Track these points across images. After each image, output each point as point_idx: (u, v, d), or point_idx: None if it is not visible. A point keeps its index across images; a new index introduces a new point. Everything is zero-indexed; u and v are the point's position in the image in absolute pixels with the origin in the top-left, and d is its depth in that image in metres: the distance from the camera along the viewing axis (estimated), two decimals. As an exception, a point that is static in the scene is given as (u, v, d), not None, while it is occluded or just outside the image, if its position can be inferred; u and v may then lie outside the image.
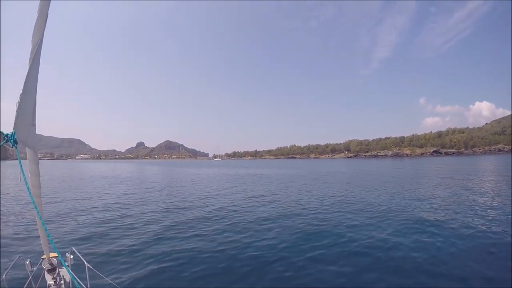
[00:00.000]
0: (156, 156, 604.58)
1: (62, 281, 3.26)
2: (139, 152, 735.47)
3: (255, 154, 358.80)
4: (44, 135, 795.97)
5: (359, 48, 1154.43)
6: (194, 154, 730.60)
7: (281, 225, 10.23)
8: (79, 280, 3.06)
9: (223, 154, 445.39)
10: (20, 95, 1.90)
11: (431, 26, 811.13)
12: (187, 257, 7.16)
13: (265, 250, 7.60)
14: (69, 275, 3.14)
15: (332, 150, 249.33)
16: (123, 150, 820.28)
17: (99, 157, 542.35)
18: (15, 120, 1.93)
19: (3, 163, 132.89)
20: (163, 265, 6.70)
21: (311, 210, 12.84)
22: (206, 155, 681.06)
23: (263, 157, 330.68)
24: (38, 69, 1.95)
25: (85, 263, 3.35)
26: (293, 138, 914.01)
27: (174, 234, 9.30)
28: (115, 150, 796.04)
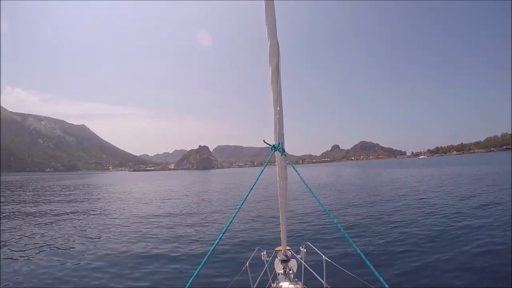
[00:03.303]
0: (353, 158, 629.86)
1: (291, 271, 3.71)
2: (334, 155, 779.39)
3: (461, 148, 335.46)
4: (244, 146, 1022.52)
5: None
6: (391, 153, 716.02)
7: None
8: (311, 270, 3.73)
9: (425, 151, 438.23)
10: (278, 112, 2.42)
11: None
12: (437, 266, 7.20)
13: None
14: (296, 266, 3.82)
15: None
16: (318, 154, 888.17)
17: (296, 162, 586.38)
18: (278, 132, 2.46)
19: (209, 172, 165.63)
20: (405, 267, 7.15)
21: None
22: (403, 153, 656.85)
23: (471, 151, 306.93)
24: (280, 88, 2.43)
25: (323, 256, 3.62)
26: (504, 124, 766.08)
27: (413, 240, 9.42)
28: (311, 155, 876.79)
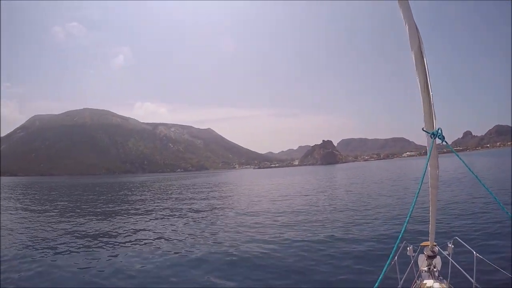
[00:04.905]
0: (488, 145, 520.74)
1: (435, 269, 3.64)
2: (467, 142, 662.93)
3: None
4: (369, 138, 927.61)
5: None
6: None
7: None
8: (460, 268, 3.53)
9: None
10: (431, 97, 2.36)
11: None
12: None
13: None
14: (441, 264, 3.74)
15: None
16: (449, 143, 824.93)
17: (425, 153, 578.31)
18: (433, 119, 2.40)
19: (333, 167, 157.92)
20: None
21: None
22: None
23: None
24: (427, 72, 2.34)
25: (474, 253, 3.43)
26: None
27: None
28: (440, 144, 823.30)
